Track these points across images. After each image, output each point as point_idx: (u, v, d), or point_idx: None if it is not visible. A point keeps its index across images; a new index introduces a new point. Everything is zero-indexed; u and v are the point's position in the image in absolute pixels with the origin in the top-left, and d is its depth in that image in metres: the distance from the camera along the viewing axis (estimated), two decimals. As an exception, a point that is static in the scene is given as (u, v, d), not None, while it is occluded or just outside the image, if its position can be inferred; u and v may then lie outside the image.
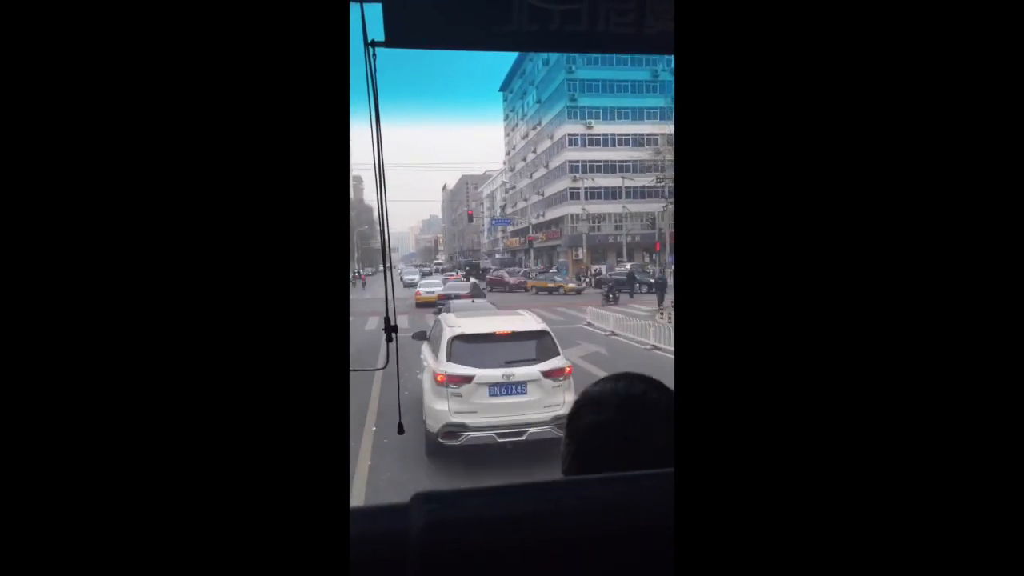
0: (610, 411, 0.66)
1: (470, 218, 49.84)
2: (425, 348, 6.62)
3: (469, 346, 5.31)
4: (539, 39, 1.11)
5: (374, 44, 1.01)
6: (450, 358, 5.31)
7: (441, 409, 5.21)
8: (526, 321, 6.27)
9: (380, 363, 1.23)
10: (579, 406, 0.70)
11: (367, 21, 1.00)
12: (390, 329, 1.16)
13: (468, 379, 5.13)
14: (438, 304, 13.16)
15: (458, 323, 5.83)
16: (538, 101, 50.19)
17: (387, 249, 1.24)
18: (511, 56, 59.00)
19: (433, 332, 6.52)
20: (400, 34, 1.04)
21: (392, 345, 1.13)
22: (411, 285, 26.66)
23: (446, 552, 0.48)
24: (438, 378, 5.41)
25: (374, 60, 1.02)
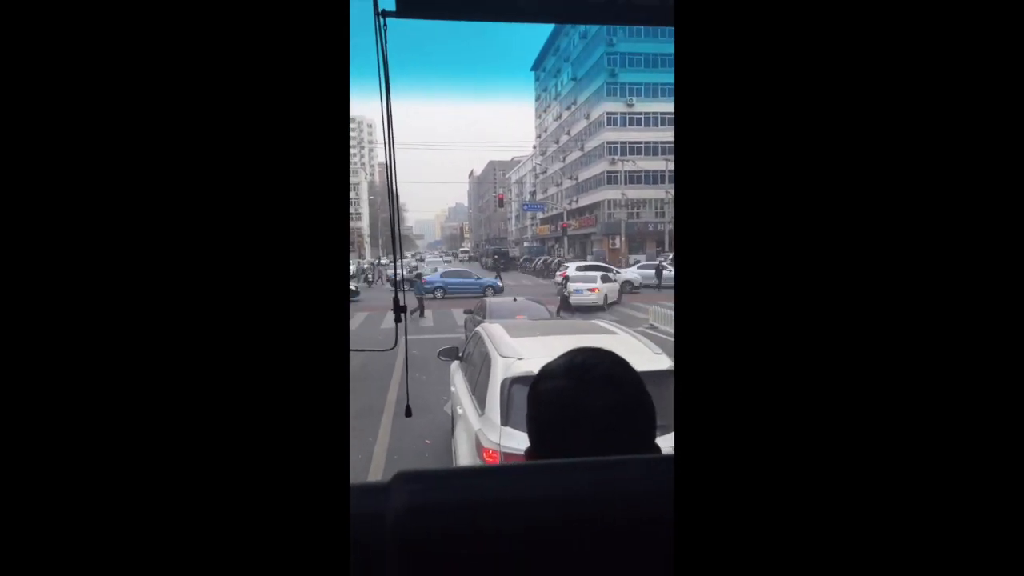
0: (559, 379, 0.71)
1: (500, 202, 47.55)
2: (458, 377, 4.22)
3: None
4: (560, 8, 1.09)
5: (385, 14, 0.98)
6: (507, 418, 2.84)
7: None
8: (628, 347, 3.44)
9: (391, 345, 1.17)
10: (536, 379, 0.74)
11: None
12: (399, 309, 1.16)
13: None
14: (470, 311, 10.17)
15: (514, 347, 3.30)
16: (573, 78, 47.13)
17: (397, 231, 1.20)
18: (544, 33, 55.97)
19: (471, 354, 4.10)
20: (412, 3, 1.02)
21: (400, 325, 1.14)
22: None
23: (425, 536, 0.47)
24: (485, 455, 2.85)
25: (385, 31, 0.99)
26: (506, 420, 2.82)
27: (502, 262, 33.47)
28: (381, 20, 0.99)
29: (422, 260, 42.48)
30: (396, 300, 1.18)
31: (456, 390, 4.02)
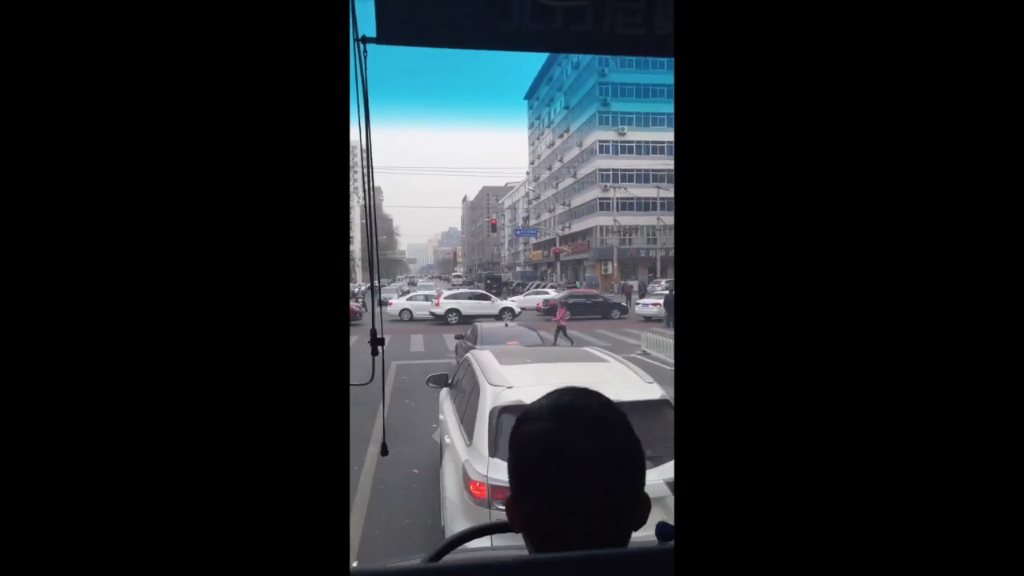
0: (543, 421, 0.66)
1: (493, 227, 47.76)
2: (447, 404, 4.12)
3: None
4: (541, 38, 1.06)
5: (365, 40, 0.98)
6: (495, 449, 2.77)
7: (479, 548, 2.43)
8: (620, 375, 3.40)
9: (367, 379, 1.01)
10: (519, 421, 0.69)
11: (358, 16, 0.96)
12: (376, 342, 1.12)
13: None
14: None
15: (503, 375, 3.23)
16: (566, 107, 47.87)
17: (375, 256, 1.19)
18: (537, 63, 57.01)
19: (460, 381, 4.06)
20: (393, 29, 1.00)
21: (378, 359, 1.09)
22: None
23: None
24: (473, 488, 2.77)
25: (365, 57, 0.99)
26: (494, 451, 2.75)
27: (495, 287, 33.54)
28: (361, 46, 0.98)
29: (414, 284, 42.55)
30: (373, 331, 1.13)
31: (445, 418, 3.91)
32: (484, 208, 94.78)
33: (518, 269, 59.62)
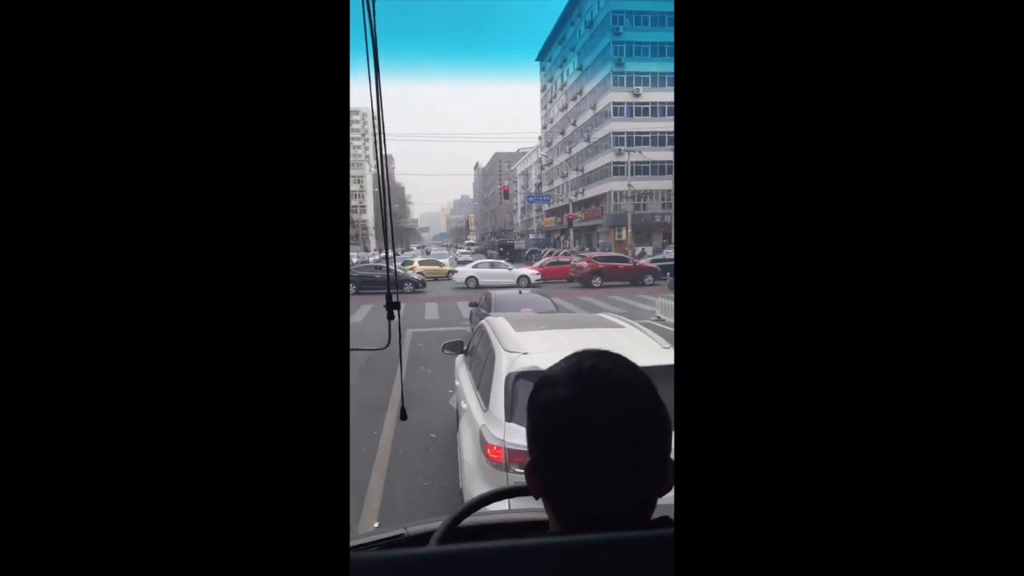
0: (563, 386, 0.63)
1: (505, 194, 47.31)
2: (462, 371, 4.13)
3: None
4: None
5: None
6: (511, 414, 2.80)
7: (497, 511, 2.38)
8: (636, 341, 3.34)
9: (384, 344, 1.06)
10: (537, 385, 0.66)
11: None
12: (392, 306, 1.13)
13: None
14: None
15: (518, 342, 3.24)
16: (579, 68, 46.66)
17: (389, 225, 1.16)
18: (549, 24, 55.34)
19: (476, 348, 4.03)
20: None
21: (394, 323, 1.09)
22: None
23: None
24: (490, 451, 2.78)
25: (373, 10, 0.95)
26: (511, 416, 2.77)
27: (507, 255, 33.35)
28: (369, 1, 0.93)
29: (428, 253, 42.58)
30: (388, 296, 1.12)
31: (460, 384, 3.93)
32: (496, 175, 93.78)
33: (531, 236, 59.18)
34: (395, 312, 1.12)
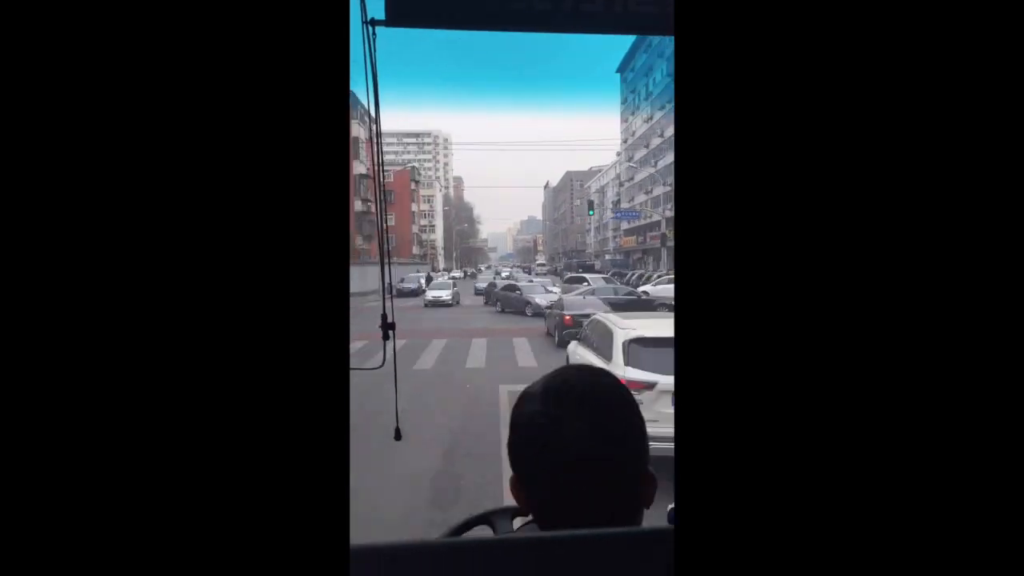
0: (535, 402, 0.65)
1: (591, 206, 44.05)
2: (579, 350, 6.37)
3: (648, 351, 4.76)
4: (551, 18, 1.08)
5: (374, 23, 0.99)
6: (627, 362, 4.74)
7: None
8: None
9: (381, 367, 1.11)
10: (518, 400, 0.69)
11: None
12: (387, 327, 1.16)
13: (650, 386, 4.49)
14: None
15: (628, 324, 5.29)
16: (669, 75, 42.78)
17: (385, 245, 1.22)
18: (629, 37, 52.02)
19: (591, 334, 6.13)
20: (402, 11, 1.03)
21: (390, 344, 1.12)
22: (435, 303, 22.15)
23: None
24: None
25: (373, 40, 1.00)
26: (627, 363, 4.73)
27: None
28: (370, 29, 0.97)
29: (498, 274, 39.86)
30: (384, 317, 1.14)
31: (580, 357, 6.12)
32: (568, 192, 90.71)
33: (607, 257, 55.45)
34: (389, 333, 1.10)
